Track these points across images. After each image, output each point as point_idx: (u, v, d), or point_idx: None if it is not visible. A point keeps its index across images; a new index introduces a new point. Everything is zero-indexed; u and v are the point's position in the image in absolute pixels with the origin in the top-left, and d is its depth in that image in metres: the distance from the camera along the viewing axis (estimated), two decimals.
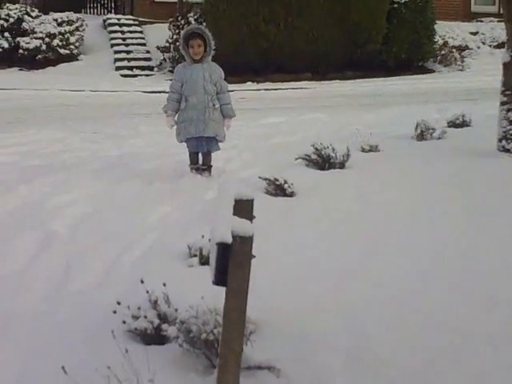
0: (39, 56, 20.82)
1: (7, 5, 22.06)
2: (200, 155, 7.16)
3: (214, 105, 6.93)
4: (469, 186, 6.44)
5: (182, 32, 7.21)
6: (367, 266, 4.41)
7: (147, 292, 3.53)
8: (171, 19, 20.33)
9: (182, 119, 7.01)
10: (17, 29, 21.01)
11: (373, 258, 4.56)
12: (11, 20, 21.07)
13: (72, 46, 21.15)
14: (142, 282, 3.55)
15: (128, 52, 21.57)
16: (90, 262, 4.51)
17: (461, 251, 4.65)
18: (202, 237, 4.44)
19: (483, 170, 7.15)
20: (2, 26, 20.98)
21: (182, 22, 19.50)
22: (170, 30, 20.07)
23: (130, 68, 20.87)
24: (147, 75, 20.59)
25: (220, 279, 2.60)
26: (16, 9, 21.49)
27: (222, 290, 2.67)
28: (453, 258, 4.54)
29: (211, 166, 7.14)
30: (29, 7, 22.02)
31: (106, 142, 9.33)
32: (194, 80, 6.91)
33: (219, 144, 7.12)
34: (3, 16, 21.11)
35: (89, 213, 5.65)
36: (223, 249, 2.56)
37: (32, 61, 20.80)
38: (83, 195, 6.16)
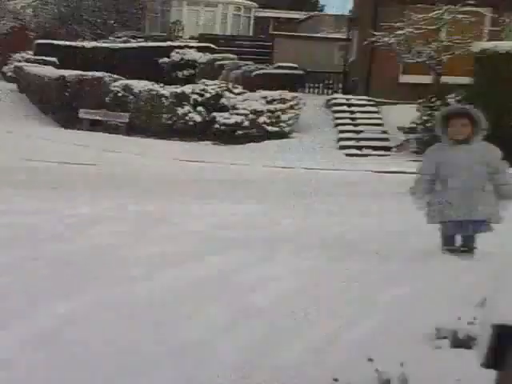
0: (239, 132, 21.25)
1: (203, 80, 22.90)
2: (459, 236, 6.44)
3: (482, 187, 6.30)
4: None
5: (441, 111, 6.72)
6: None
7: (376, 370, 3.10)
8: (421, 100, 20.06)
9: (437, 201, 6.37)
10: (213, 104, 21.66)
11: None
12: (207, 95, 21.77)
13: (283, 124, 21.41)
14: (371, 359, 3.15)
15: (357, 132, 21.62)
16: (302, 336, 4.08)
17: None
18: (459, 319, 4.03)
19: None
20: (196, 100, 21.75)
21: (438, 103, 18.94)
22: (419, 110, 19.87)
23: (359, 147, 20.86)
24: (380, 155, 20.42)
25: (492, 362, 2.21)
26: (215, 85, 22.22)
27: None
28: None
29: (474, 249, 6.34)
30: (230, 84, 22.65)
31: (318, 218, 8.80)
32: (455, 162, 6.28)
33: (492, 225, 6.33)
34: (197, 91, 21.89)
35: (294, 289, 5.14)
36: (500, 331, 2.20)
37: (229, 136, 21.26)
38: (288, 270, 5.66)
